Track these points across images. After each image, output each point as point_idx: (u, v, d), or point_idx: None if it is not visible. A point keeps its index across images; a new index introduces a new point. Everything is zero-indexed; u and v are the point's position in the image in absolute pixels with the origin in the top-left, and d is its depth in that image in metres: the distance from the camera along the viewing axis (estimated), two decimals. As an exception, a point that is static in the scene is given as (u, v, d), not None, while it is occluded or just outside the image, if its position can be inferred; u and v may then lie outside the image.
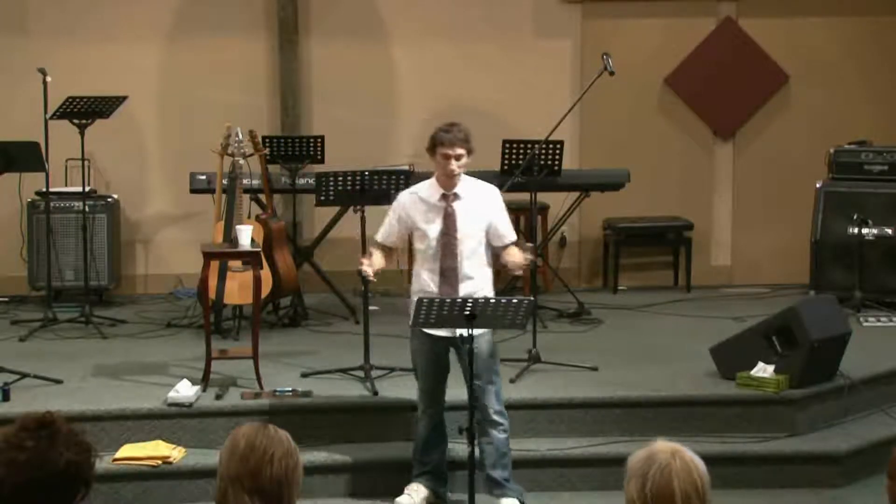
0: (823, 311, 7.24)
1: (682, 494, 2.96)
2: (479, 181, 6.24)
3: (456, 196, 6.06)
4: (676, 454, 3.01)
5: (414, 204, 6.12)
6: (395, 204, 6.23)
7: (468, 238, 6.05)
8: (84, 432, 2.93)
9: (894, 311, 8.92)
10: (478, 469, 5.97)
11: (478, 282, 6.06)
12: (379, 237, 6.27)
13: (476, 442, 5.68)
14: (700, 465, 3.03)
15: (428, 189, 6.13)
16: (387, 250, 6.27)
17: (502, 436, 6.14)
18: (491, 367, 6.11)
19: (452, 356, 6.15)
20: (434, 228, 6.04)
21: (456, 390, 6.57)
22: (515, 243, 6.18)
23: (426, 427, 6.20)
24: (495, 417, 6.12)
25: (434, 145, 6.06)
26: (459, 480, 6.16)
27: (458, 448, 6.11)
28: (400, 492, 6.34)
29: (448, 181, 6.05)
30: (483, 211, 6.10)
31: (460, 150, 6.00)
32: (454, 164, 5.99)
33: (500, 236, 6.13)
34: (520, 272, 6.29)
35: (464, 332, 5.75)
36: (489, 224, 6.10)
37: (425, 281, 6.07)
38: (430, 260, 6.06)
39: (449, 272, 6.03)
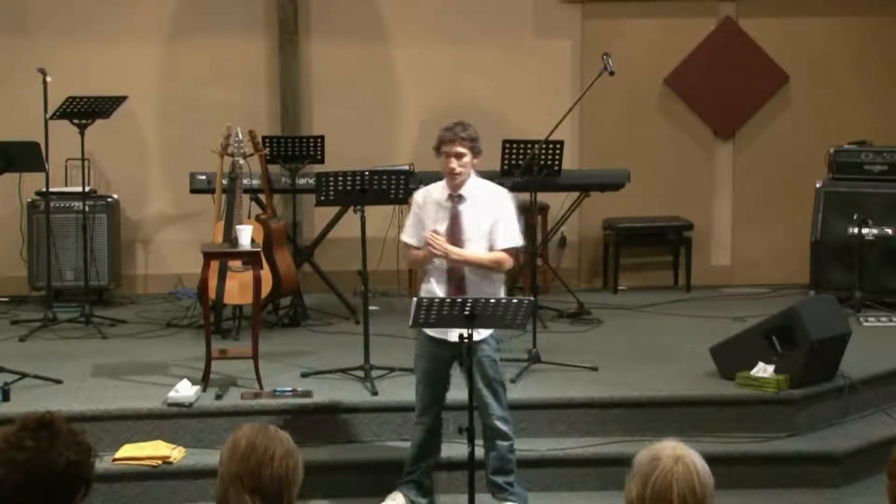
0: (823, 311, 7.23)
1: (680, 500, 2.96)
2: (491, 183, 6.13)
3: (461, 198, 5.99)
4: (680, 460, 3.00)
5: (426, 202, 6.05)
6: (412, 202, 6.16)
7: (472, 242, 5.96)
8: (84, 432, 2.93)
9: (894, 311, 8.92)
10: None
11: (483, 286, 5.95)
12: (408, 239, 6.12)
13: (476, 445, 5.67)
14: (703, 471, 3.01)
15: (440, 189, 6.05)
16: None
17: (506, 443, 6.10)
18: (494, 375, 6.07)
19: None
20: (440, 229, 5.97)
21: (455, 390, 6.58)
22: (506, 251, 5.98)
23: (419, 434, 6.15)
24: (499, 424, 6.06)
25: (438, 143, 6.00)
26: (459, 480, 6.15)
27: (458, 448, 6.10)
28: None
29: (451, 180, 5.97)
30: (489, 214, 5.99)
31: (460, 149, 5.89)
32: (454, 163, 5.90)
33: (493, 240, 5.98)
34: (434, 252, 5.90)
35: (466, 337, 5.77)
36: (492, 227, 5.99)
37: (433, 282, 6.03)
38: (435, 261, 5.99)
39: (454, 274, 5.98)
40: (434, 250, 5.89)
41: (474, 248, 5.95)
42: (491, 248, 5.99)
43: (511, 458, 6.13)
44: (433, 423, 6.13)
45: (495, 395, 6.04)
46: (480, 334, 5.89)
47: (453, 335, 5.81)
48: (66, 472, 2.84)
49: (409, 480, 6.21)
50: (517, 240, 6.05)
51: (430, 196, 6.06)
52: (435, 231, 5.92)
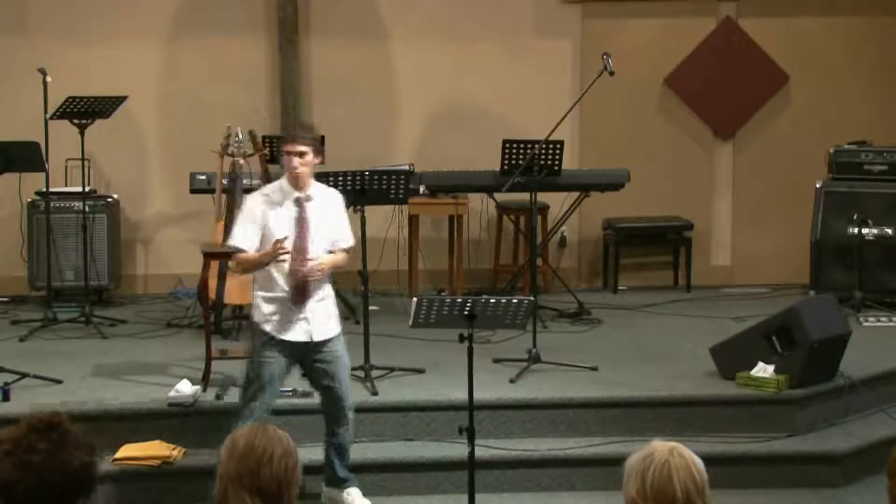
0: (823, 311, 7.23)
1: (683, 490, 2.96)
2: (326, 186, 6.17)
3: (308, 198, 5.96)
4: (674, 451, 3.02)
5: (265, 207, 5.95)
6: (244, 208, 6.05)
7: (315, 243, 5.95)
8: (86, 433, 2.93)
9: (894, 311, 8.92)
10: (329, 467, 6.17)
11: (325, 287, 6.02)
12: (241, 244, 5.97)
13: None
14: (698, 461, 3.04)
15: (279, 191, 5.98)
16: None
17: (350, 432, 6.20)
18: (347, 368, 6.15)
19: None
20: (286, 231, 5.89)
21: (453, 390, 6.59)
22: (345, 251, 6.10)
23: None
24: (349, 414, 6.15)
25: (281, 144, 6.02)
26: (460, 480, 6.15)
27: (458, 448, 6.11)
28: (399, 491, 6.36)
29: (294, 179, 5.93)
30: (331, 215, 6.03)
31: (302, 147, 5.91)
32: (296, 161, 5.90)
33: (336, 240, 6.04)
34: (316, 275, 5.93)
35: (317, 337, 5.93)
36: (333, 228, 6.03)
37: (278, 284, 5.92)
38: (283, 264, 5.88)
39: (299, 279, 5.90)
40: (317, 275, 5.91)
41: (317, 250, 5.96)
42: (331, 249, 6.03)
43: (350, 445, 6.28)
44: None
45: (348, 387, 6.18)
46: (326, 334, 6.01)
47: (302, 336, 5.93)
48: (79, 473, 2.85)
49: None
50: (351, 240, 6.16)
51: (270, 199, 5.97)
52: (299, 255, 5.89)
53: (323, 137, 8.82)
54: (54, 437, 2.84)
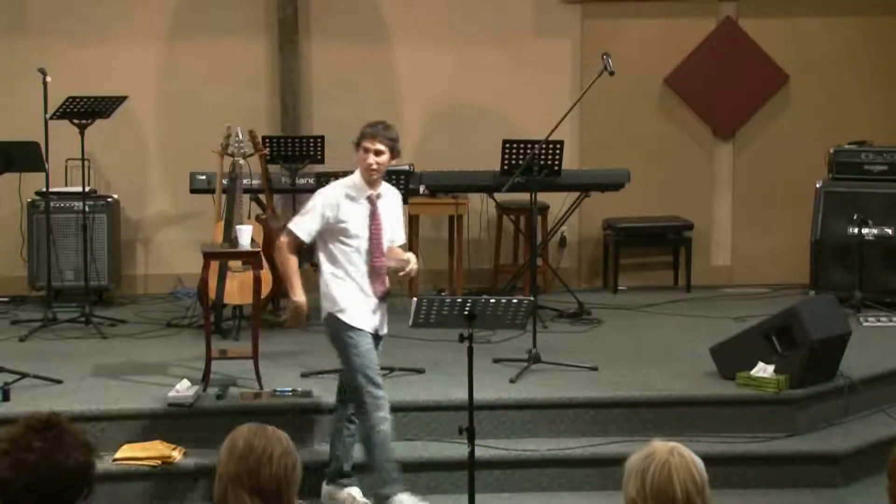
0: (823, 311, 7.24)
1: (683, 490, 2.96)
2: (389, 185, 6.30)
3: (380, 196, 6.10)
4: (675, 451, 3.01)
5: (339, 200, 6.04)
6: (322, 197, 6.07)
7: (385, 235, 6.11)
8: (85, 432, 2.94)
9: (894, 311, 8.92)
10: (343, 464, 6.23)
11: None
12: (301, 233, 6.04)
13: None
14: (698, 461, 3.03)
15: (352, 186, 6.07)
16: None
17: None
18: None
19: None
20: (363, 226, 6.03)
21: (453, 390, 6.59)
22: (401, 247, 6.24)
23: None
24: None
25: (359, 138, 6.07)
26: (460, 480, 6.15)
27: (458, 448, 6.11)
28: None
29: (368, 175, 6.02)
30: (395, 212, 6.20)
31: (381, 146, 5.98)
32: (372, 159, 5.97)
33: (394, 237, 6.18)
34: (405, 270, 6.12)
35: (381, 331, 6.10)
36: (394, 224, 6.19)
37: (352, 277, 6.02)
38: (356, 258, 6.02)
39: (380, 269, 6.06)
40: (413, 273, 6.14)
41: (386, 244, 6.10)
42: (390, 245, 6.17)
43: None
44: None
45: None
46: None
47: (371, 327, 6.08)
48: (75, 473, 2.85)
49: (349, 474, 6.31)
50: (405, 238, 6.33)
51: (349, 193, 6.05)
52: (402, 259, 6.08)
53: (323, 137, 8.88)
54: (51, 437, 2.84)
